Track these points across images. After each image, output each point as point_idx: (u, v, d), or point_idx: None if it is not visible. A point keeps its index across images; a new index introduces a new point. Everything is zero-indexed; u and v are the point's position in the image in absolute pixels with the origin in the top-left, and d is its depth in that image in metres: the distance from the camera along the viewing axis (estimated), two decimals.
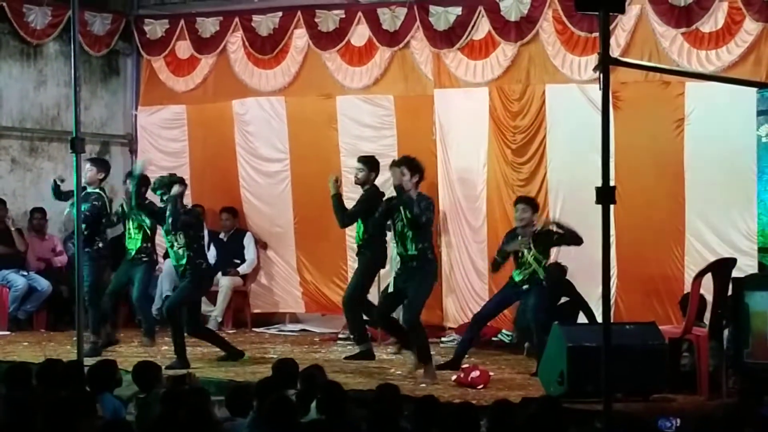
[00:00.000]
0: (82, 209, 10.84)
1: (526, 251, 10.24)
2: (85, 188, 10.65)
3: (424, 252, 9.71)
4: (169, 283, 12.64)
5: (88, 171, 11.01)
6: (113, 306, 11.38)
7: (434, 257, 9.97)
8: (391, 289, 10.18)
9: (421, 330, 9.86)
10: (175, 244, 10.36)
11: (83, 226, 10.80)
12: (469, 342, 10.53)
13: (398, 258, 9.95)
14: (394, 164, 9.93)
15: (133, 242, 11.22)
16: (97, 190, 11.03)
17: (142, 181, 10.94)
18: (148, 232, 11.24)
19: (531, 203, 10.56)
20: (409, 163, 9.80)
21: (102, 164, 11.33)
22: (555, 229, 10.33)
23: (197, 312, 10.89)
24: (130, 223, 11.22)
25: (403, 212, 9.68)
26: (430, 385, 9.36)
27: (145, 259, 11.28)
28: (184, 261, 10.35)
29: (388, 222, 10.10)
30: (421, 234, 9.67)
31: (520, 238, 10.30)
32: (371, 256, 10.90)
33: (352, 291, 10.88)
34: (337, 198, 10.88)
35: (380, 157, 12.55)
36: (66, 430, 5.63)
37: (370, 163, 11.10)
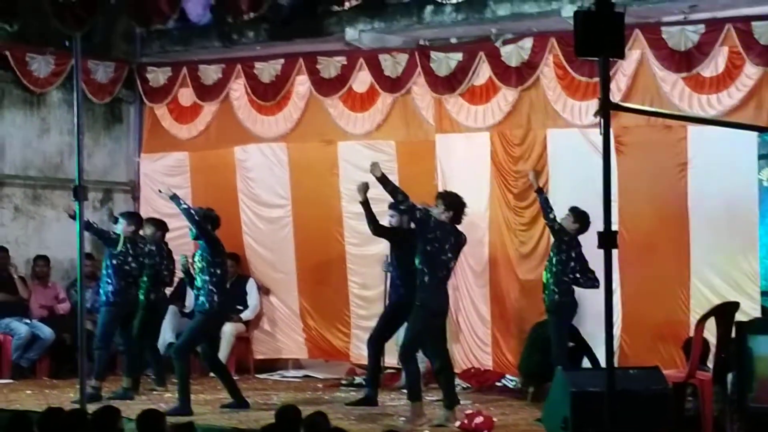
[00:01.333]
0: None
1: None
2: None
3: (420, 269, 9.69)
4: (171, 331, 12.63)
5: (120, 224, 11.39)
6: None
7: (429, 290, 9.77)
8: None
9: (413, 365, 9.79)
10: (197, 268, 10.47)
11: (108, 272, 11.00)
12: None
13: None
14: (437, 196, 9.94)
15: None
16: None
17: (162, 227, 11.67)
18: (155, 276, 11.42)
19: (573, 211, 10.34)
20: (445, 197, 9.83)
21: (134, 219, 11.62)
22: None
23: (216, 346, 10.91)
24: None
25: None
26: (434, 430, 9.31)
27: (142, 297, 11.47)
28: (199, 285, 10.42)
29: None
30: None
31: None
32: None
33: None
34: (366, 205, 10.74)
35: (381, 202, 12.58)
36: None
37: (400, 210, 11.09)
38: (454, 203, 9.77)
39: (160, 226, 11.73)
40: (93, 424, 7.45)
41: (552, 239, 10.32)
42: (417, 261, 9.64)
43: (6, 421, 7.50)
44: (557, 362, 9.80)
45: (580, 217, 10.22)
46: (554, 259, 10.16)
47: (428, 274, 9.58)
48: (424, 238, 9.60)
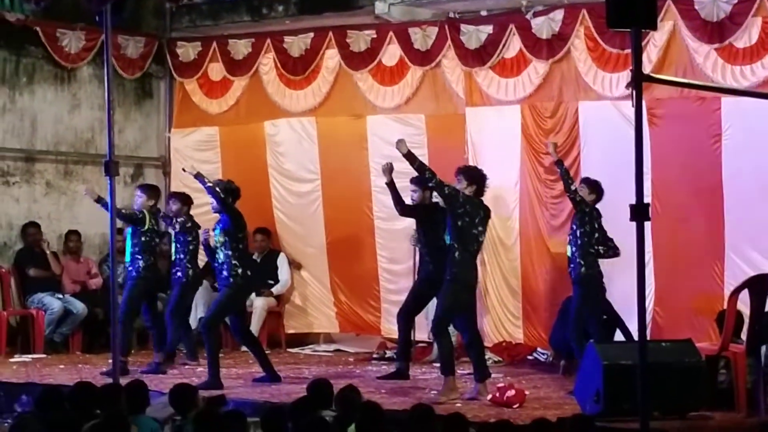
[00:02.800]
0: (129, 232, 11.08)
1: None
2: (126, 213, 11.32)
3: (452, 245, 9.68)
4: (203, 305, 12.66)
5: (138, 198, 11.46)
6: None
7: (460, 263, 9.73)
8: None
9: (446, 339, 9.79)
10: (218, 243, 10.47)
11: (137, 249, 11.01)
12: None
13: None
14: (455, 173, 9.88)
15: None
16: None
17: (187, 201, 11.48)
18: (194, 251, 11.42)
19: (587, 181, 10.33)
20: (466, 172, 9.79)
21: (152, 190, 11.60)
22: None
23: (243, 319, 10.98)
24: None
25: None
26: (466, 404, 9.31)
27: (179, 274, 11.38)
28: (221, 259, 10.41)
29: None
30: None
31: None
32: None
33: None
34: (391, 186, 10.75)
35: (405, 177, 12.58)
36: None
37: (421, 182, 11.07)
38: (476, 177, 9.75)
39: (186, 200, 11.72)
40: (126, 397, 7.49)
41: (574, 212, 10.24)
42: (447, 237, 9.62)
43: (37, 396, 7.57)
44: (574, 335, 9.78)
45: (594, 187, 10.21)
46: (578, 232, 10.10)
47: (459, 248, 9.57)
48: (454, 214, 9.58)
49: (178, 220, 11.48)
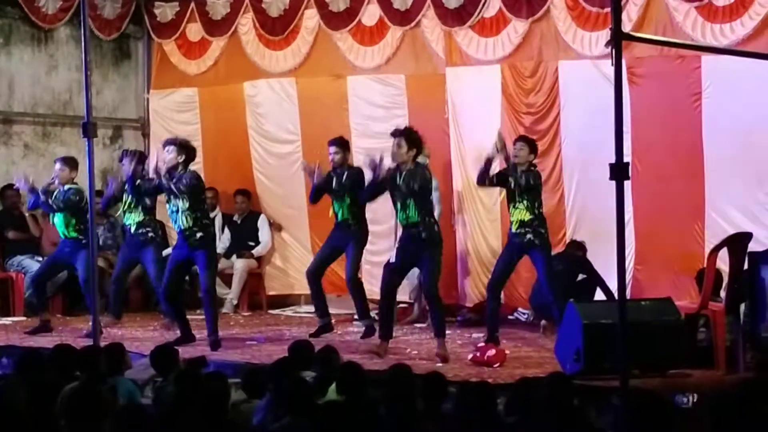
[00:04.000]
0: (61, 205, 10.97)
1: (513, 186, 10.07)
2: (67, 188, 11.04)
3: (429, 219, 9.64)
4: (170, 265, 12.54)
5: (60, 171, 11.16)
6: (120, 292, 11.43)
7: (439, 227, 9.82)
8: (393, 260, 9.91)
9: (440, 303, 9.82)
10: (180, 207, 10.28)
11: (74, 220, 10.91)
12: (495, 312, 10.29)
13: (402, 227, 9.82)
14: (393, 134, 9.82)
15: (133, 217, 11.13)
16: (74, 186, 11.10)
17: (139, 158, 11.01)
18: (148, 204, 11.12)
19: (529, 143, 10.32)
20: (407, 136, 9.72)
21: (73, 163, 11.27)
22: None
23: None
24: (128, 198, 11.15)
25: (402, 182, 9.60)
26: (446, 364, 9.34)
27: (150, 234, 11.16)
28: (191, 224, 10.26)
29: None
30: (423, 202, 9.61)
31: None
32: (363, 231, 10.92)
33: (357, 270, 10.91)
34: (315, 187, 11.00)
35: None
36: (91, 415, 5.61)
37: (342, 145, 11.10)
38: (416, 141, 9.73)
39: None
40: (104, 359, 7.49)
41: (523, 180, 10.10)
42: (419, 214, 9.60)
43: (18, 358, 7.55)
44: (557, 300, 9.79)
45: (535, 146, 10.31)
46: (536, 203, 10.06)
47: (435, 221, 9.74)
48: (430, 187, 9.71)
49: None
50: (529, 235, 10.02)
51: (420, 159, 10.70)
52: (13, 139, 13.34)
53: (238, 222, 13.40)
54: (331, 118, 12.93)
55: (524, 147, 10.22)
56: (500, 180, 10.32)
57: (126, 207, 11.18)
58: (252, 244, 13.32)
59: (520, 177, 10.05)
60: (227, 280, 13.15)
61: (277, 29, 13.15)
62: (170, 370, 7.45)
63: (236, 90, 13.58)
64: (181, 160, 10.36)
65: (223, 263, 13.02)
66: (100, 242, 11.90)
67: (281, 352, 8.45)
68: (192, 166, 13.83)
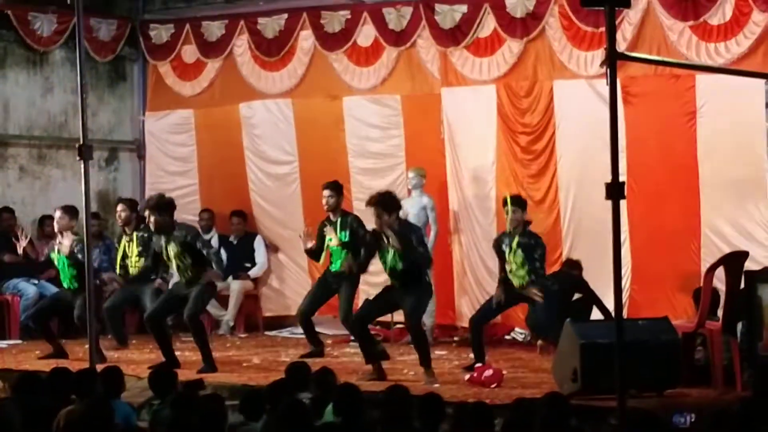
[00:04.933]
0: (68, 261, 10.94)
1: (511, 257, 9.97)
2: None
3: (418, 268, 9.61)
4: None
5: (61, 219, 11.12)
6: (114, 319, 11.43)
7: (428, 278, 9.82)
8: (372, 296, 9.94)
9: (423, 336, 9.88)
10: (182, 265, 10.28)
11: (75, 271, 10.87)
12: (478, 342, 10.15)
13: (389, 274, 9.75)
14: (368, 204, 9.64)
15: (138, 268, 11.22)
16: (76, 237, 11.02)
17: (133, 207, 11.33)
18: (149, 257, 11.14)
19: (521, 204, 10.21)
20: (383, 204, 9.52)
21: (73, 211, 11.14)
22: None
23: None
24: (130, 248, 11.28)
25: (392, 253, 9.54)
26: (444, 385, 9.32)
27: (152, 276, 11.19)
28: (193, 277, 10.26)
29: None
30: (412, 257, 9.55)
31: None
32: (356, 277, 11.00)
33: (350, 311, 10.85)
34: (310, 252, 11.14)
35: (388, 157, 12.55)
36: None
37: (337, 189, 11.15)
38: (394, 204, 9.63)
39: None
40: (102, 382, 7.47)
41: (524, 253, 9.97)
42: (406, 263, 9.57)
43: (14, 381, 7.53)
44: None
45: (523, 203, 10.23)
46: (537, 264, 9.97)
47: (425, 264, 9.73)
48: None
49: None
50: (530, 287, 9.98)
51: (412, 173, 10.73)
52: (9, 162, 13.34)
53: (234, 243, 13.38)
54: (327, 138, 12.95)
55: (517, 210, 10.08)
56: (496, 251, 10.28)
57: (130, 261, 11.30)
58: (248, 265, 13.31)
59: (516, 249, 9.96)
60: (224, 302, 13.13)
61: (273, 50, 13.18)
62: (168, 393, 7.43)
63: (232, 111, 13.59)
64: (163, 220, 10.28)
65: (219, 284, 12.97)
66: (96, 265, 11.85)
67: (278, 374, 8.43)
68: (188, 188, 13.97)
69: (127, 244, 11.34)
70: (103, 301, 11.14)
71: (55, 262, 11.27)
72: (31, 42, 13.24)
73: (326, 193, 11.15)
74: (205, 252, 10.27)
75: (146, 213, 10.44)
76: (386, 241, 9.52)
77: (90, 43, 13.17)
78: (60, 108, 13.64)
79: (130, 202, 11.77)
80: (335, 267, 11.10)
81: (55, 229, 11.24)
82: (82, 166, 8.61)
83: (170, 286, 11.00)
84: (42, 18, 13.21)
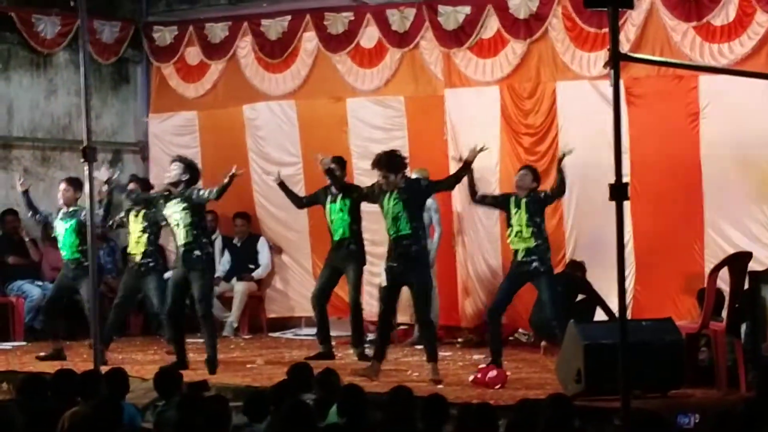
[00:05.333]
0: (72, 227, 10.95)
1: (516, 217, 10.02)
2: (73, 208, 11.04)
3: (421, 233, 9.67)
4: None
5: (66, 191, 11.16)
6: (120, 319, 11.42)
7: (426, 243, 9.87)
8: (384, 283, 9.90)
9: (432, 328, 9.85)
10: (181, 221, 10.28)
11: (78, 240, 10.89)
12: (497, 336, 10.18)
13: (393, 243, 9.75)
14: (373, 166, 9.76)
15: (138, 247, 11.19)
16: (77, 206, 11.07)
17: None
18: (152, 235, 11.20)
19: (533, 171, 10.29)
20: (387, 164, 9.61)
21: (78, 183, 11.19)
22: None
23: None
24: (136, 225, 11.20)
25: (394, 196, 9.58)
26: (447, 386, 9.32)
27: (152, 264, 11.23)
28: (191, 239, 10.26)
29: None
30: (414, 215, 9.60)
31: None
32: (361, 252, 10.96)
33: (359, 293, 10.91)
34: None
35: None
36: None
37: (340, 162, 11.14)
38: (398, 164, 9.68)
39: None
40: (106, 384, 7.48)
41: (533, 205, 10.09)
42: (407, 224, 9.58)
43: (19, 383, 7.54)
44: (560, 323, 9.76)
45: (537, 174, 10.28)
46: (542, 225, 10.04)
47: (425, 236, 9.74)
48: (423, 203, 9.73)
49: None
50: (535, 263, 9.99)
51: (416, 174, 10.75)
52: (13, 164, 13.35)
53: (238, 245, 13.40)
54: (331, 140, 12.94)
55: (527, 174, 10.19)
56: (499, 203, 10.31)
57: (133, 237, 11.24)
58: (252, 266, 13.32)
59: (524, 203, 10.01)
60: (227, 303, 13.14)
61: (276, 52, 13.19)
62: (173, 394, 7.44)
63: (236, 113, 13.60)
64: (184, 179, 10.38)
65: (223, 286, 13.03)
66: (100, 212, 11.83)
67: (282, 376, 8.43)
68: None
69: (133, 220, 11.31)
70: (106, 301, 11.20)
71: (58, 233, 11.21)
72: (35, 44, 13.26)
73: (333, 165, 11.03)
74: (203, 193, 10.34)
75: (176, 163, 10.50)
76: (388, 197, 9.55)
77: (93, 46, 13.18)
78: (64, 110, 13.66)
79: (141, 180, 11.80)
80: (336, 236, 11.03)
81: (60, 202, 11.22)
82: (86, 168, 8.63)
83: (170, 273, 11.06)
84: (45, 20, 13.24)
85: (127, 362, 10.44)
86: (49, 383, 7.41)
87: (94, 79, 13.37)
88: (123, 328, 11.89)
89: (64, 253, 11.20)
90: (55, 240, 13.03)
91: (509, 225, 10.16)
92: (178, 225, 10.31)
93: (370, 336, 12.12)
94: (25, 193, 11.39)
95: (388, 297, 9.85)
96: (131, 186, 11.42)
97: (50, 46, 13.37)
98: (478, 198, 10.35)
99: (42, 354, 11.19)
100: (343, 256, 11.01)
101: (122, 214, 11.46)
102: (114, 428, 6.31)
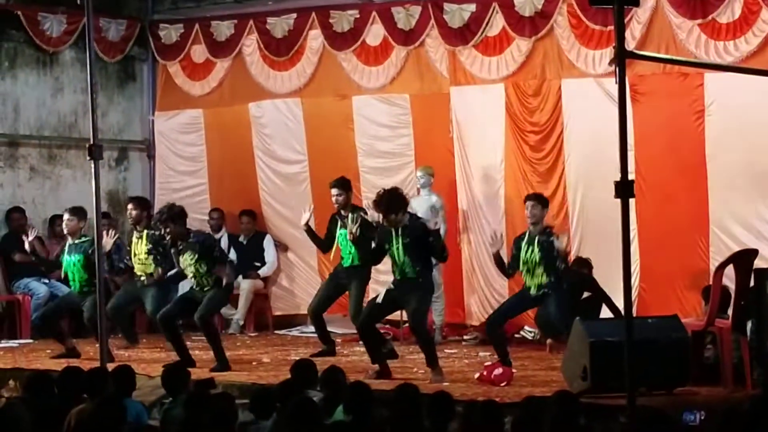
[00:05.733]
0: (81, 262, 10.95)
1: (529, 254, 9.91)
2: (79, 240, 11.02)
3: (426, 273, 9.66)
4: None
5: (69, 221, 11.16)
6: (124, 324, 11.51)
7: (431, 275, 9.83)
8: (380, 300, 9.89)
9: (428, 335, 9.93)
10: (198, 272, 10.32)
11: (87, 276, 10.89)
12: (500, 340, 10.08)
13: (397, 280, 9.73)
14: (375, 206, 9.72)
15: (145, 267, 11.24)
16: (84, 239, 11.07)
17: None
18: (158, 255, 11.18)
19: (540, 199, 10.21)
20: (388, 205, 9.54)
21: (82, 213, 11.21)
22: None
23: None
24: (139, 247, 11.27)
25: (399, 239, 9.57)
26: (453, 383, 9.33)
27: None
28: (208, 285, 10.32)
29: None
30: (420, 256, 9.56)
31: (537, 237, 9.92)
32: (367, 270, 11.01)
33: (359, 310, 10.84)
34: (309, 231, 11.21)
35: (397, 156, 12.54)
36: None
37: (344, 186, 11.16)
38: (400, 203, 9.62)
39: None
40: (113, 381, 7.49)
41: (541, 251, 9.88)
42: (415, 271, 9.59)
43: (25, 381, 7.56)
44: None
45: (545, 201, 10.21)
46: (555, 265, 9.91)
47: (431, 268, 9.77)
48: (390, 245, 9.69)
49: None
50: (545, 290, 9.90)
51: (420, 172, 10.76)
52: (19, 162, 13.38)
53: (244, 243, 13.41)
54: (336, 138, 12.97)
55: (536, 205, 10.06)
56: (514, 254, 10.13)
57: (136, 259, 11.31)
58: (258, 264, 13.33)
59: (536, 248, 9.87)
60: (233, 301, 13.14)
61: (282, 50, 13.20)
62: (181, 392, 7.45)
63: (241, 111, 13.61)
64: (179, 228, 10.32)
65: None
66: (105, 266, 11.88)
67: (288, 373, 8.44)
68: (197, 188, 13.98)
69: (136, 242, 11.37)
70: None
71: (67, 264, 11.24)
72: (41, 42, 13.28)
73: (334, 191, 11.17)
74: (220, 256, 10.37)
75: (160, 227, 10.40)
76: (394, 239, 9.55)
77: (99, 44, 13.19)
78: (70, 108, 13.68)
79: (141, 200, 11.79)
80: (346, 262, 11.11)
81: (64, 232, 11.27)
82: (92, 165, 8.65)
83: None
84: (51, 18, 13.25)
85: (133, 360, 10.46)
86: (56, 381, 7.42)
87: (100, 77, 13.39)
88: (132, 326, 11.90)
89: (73, 286, 11.22)
90: (61, 237, 13.11)
91: (522, 261, 9.94)
92: (194, 275, 10.36)
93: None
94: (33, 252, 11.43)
95: (380, 310, 9.86)
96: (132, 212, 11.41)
97: (56, 45, 13.38)
98: (511, 273, 10.28)
99: (54, 352, 11.21)
100: (349, 277, 11.02)
101: (125, 261, 11.38)
102: (119, 426, 6.32)
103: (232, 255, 13.32)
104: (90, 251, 10.81)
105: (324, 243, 11.47)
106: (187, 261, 10.33)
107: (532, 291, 9.95)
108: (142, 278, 11.25)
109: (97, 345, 9.56)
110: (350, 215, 11.03)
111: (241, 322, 13.17)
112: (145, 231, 11.22)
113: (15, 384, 9.90)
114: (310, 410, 6.39)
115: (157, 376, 8.51)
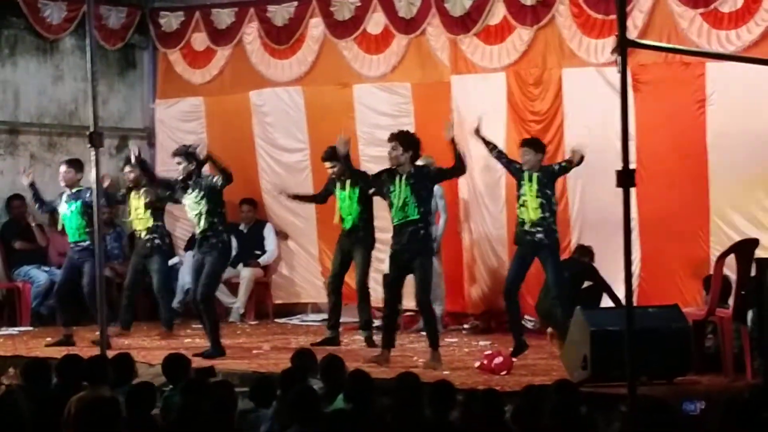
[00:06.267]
0: (77, 209, 10.96)
1: (526, 188, 9.99)
2: (77, 189, 11.08)
3: (428, 217, 9.71)
4: (190, 276, 12.59)
5: (66, 173, 11.18)
6: (131, 302, 11.48)
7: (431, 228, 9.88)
8: (386, 270, 9.88)
9: (432, 313, 9.87)
10: (199, 211, 10.33)
11: (84, 222, 10.91)
12: (515, 317, 10.24)
13: (399, 228, 9.73)
14: (389, 139, 9.86)
15: (143, 222, 11.23)
16: (82, 187, 11.10)
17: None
18: (155, 210, 11.29)
19: (534, 145, 10.25)
20: (401, 139, 9.73)
21: (79, 165, 11.27)
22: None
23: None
24: (137, 202, 11.27)
25: (403, 182, 9.61)
26: (454, 372, 9.33)
27: (157, 242, 11.31)
28: (207, 226, 10.32)
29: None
30: (423, 202, 9.62)
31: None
32: (370, 238, 10.99)
33: (366, 275, 10.92)
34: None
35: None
36: (100, 426, 5.61)
37: (334, 156, 11.02)
38: (413, 143, 9.76)
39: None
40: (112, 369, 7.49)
41: (543, 178, 10.07)
42: (414, 208, 9.58)
43: (23, 368, 7.55)
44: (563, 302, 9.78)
45: (539, 145, 10.26)
46: (552, 199, 10.05)
47: (429, 222, 9.73)
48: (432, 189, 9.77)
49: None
50: (539, 235, 9.99)
51: (422, 161, 10.71)
52: (20, 150, 13.36)
53: (245, 231, 13.40)
54: (338, 126, 12.88)
55: (528, 151, 10.15)
56: (513, 172, 10.26)
57: (135, 214, 11.27)
58: (258, 253, 13.33)
59: (536, 177, 10.00)
60: (234, 289, 13.16)
61: (282, 38, 13.18)
62: (181, 379, 7.45)
63: (242, 99, 13.59)
64: (193, 168, 10.42)
65: (229, 272, 12.99)
66: (107, 251, 11.92)
67: (288, 362, 8.45)
68: None
69: (135, 200, 11.36)
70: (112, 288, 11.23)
71: (64, 215, 11.24)
72: (41, 30, 13.25)
73: (328, 165, 11.15)
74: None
75: (185, 152, 10.51)
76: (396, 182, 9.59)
77: (100, 31, 13.18)
78: (70, 96, 13.66)
79: (139, 161, 11.81)
80: (347, 224, 11.07)
81: (62, 184, 11.24)
82: (93, 153, 8.63)
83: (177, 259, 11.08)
84: (52, 6, 13.23)
85: (133, 347, 10.46)
86: (56, 368, 7.42)
87: (100, 64, 13.31)
88: (134, 312, 11.90)
89: (70, 235, 11.21)
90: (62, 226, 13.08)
91: (519, 195, 10.11)
92: (196, 214, 10.35)
93: (377, 322, 12.15)
94: (32, 185, 11.38)
95: (393, 285, 9.85)
96: (130, 174, 11.43)
97: (56, 32, 13.35)
98: (495, 154, 10.35)
99: (50, 340, 11.20)
100: (352, 241, 11.03)
101: (122, 191, 11.52)
102: (119, 414, 6.31)
103: (233, 243, 13.34)
104: (87, 196, 10.76)
105: (318, 196, 11.59)
106: (191, 198, 10.34)
107: (526, 226, 10.01)
108: (142, 234, 11.29)
109: (98, 333, 9.62)
110: (349, 179, 10.97)
111: (242, 311, 13.17)
112: (143, 188, 11.23)
113: (15, 371, 9.89)
114: (311, 399, 6.39)
115: (157, 364, 8.50)
